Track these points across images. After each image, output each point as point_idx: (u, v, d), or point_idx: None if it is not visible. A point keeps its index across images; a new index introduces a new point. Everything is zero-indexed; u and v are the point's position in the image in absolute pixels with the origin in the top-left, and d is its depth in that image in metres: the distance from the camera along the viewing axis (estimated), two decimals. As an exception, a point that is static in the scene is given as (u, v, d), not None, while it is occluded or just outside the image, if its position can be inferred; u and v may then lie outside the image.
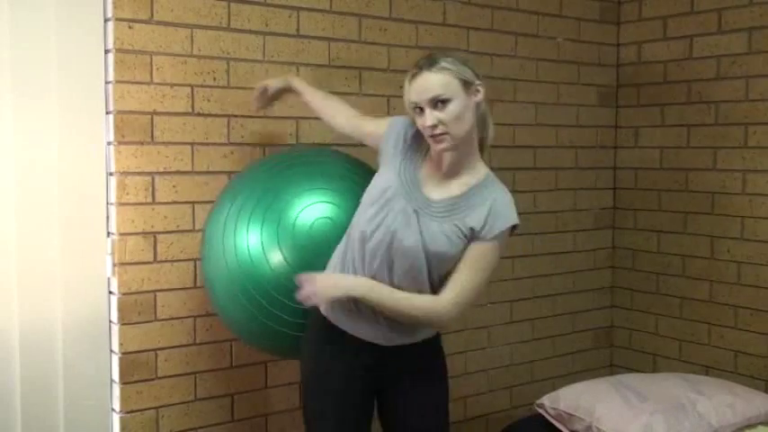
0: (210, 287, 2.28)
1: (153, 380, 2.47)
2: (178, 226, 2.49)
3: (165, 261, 2.47)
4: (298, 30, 2.69)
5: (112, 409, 2.47)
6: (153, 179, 2.44)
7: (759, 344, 3.20)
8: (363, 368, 2.10)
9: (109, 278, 2.43)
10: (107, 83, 2.39)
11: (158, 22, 2.42)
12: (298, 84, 2.47)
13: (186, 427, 2.55)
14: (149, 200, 2.44)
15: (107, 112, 2.40)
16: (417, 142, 2.12)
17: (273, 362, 2.69)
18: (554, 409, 2.80)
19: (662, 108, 3.50)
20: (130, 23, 2.38)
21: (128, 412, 2.44)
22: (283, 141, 2.67)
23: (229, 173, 2.56)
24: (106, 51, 2.39)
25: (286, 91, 2.50)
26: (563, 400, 2.80)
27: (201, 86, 2.51)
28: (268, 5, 2.62)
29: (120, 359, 2.42)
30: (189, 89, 2.49)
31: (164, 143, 2.45)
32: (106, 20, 2.38)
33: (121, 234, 2.40)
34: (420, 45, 2.96)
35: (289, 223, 2.15)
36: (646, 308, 3.60)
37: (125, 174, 2.40)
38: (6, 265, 2.29)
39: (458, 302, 2.01)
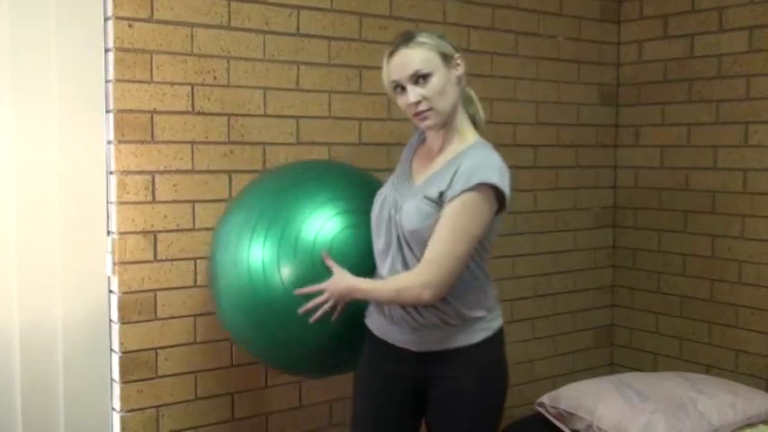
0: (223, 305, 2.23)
1: (153, 379, 2.47)
2: (178, 225, 2.49)
3: (166, 260, 2.47)
4: (298, 28, 2.69)
5: (113, 408, 2.46)
6: (153, 178, 2.44)
7: (760, 343, 3.20)
8: (400, 374, 2.07)
9: (109, 277, 2.43)
10: (107, 82, 2.39)
11: (158, 21, 2.42)
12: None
13: (186, 426, 2.55)
14: (149, 199, 2.44)
15: (107, 111, 2.40)
16: (416, 142, 2.12)
17: (274, 361, 2.69)
18: (554, 408, 2.80)
19: (663, 107, 3.49)
20: (130, 22, 2.38)
21: (128, 411, 2.44)
22: (284, 141, 2.67)
23: (230, 172, 2.56)
24: (106, 50, 2.38)
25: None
26: (563, 399, 2.80)
27: (202, 85, 2.51)
28: (268, 4, 2.62)
29: (121, 358, 2.42)
30: (189, 88, 2.49)
31: (164, 142, 2.45)
32: (106, 18, 2.38)
33: (121, 233, 2.40)
34: (420, 44, 2.95)
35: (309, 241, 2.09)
36: (646, 307, 3.60)
37: (125, 173, 2.39)
38: (6, 264, 2.29)
39: (431, 269, 1.88)
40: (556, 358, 3.53)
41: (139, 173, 2.42)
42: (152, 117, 2.43)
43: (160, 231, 2.46)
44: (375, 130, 2.87)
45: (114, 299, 2.42)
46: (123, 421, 2.43)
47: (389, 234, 2.01)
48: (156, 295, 2.46)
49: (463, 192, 1.88)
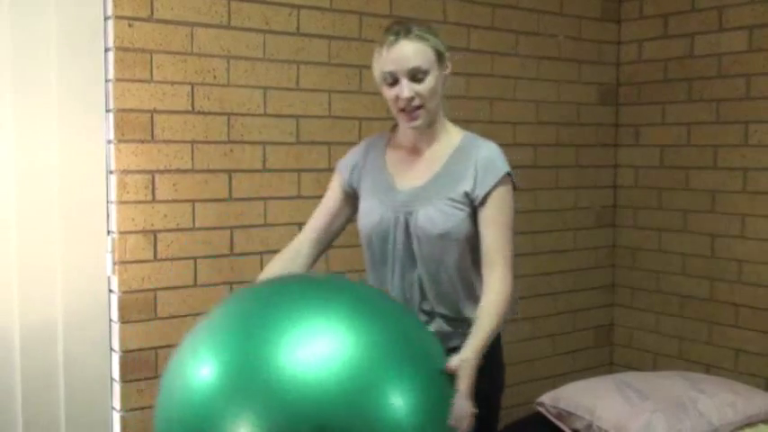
0: None
1: (153, 378, 2.47)
2: (178, 224, 2.49)
3: (165, 259, 2.47)
4: (298, 28, 2.69)
5: (113, 408, 2.47)
6: (153, 177, 2.44)
7: (759, 342, 3.20)
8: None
9: (109, 276, 2.43)
10: (107, 81, 2.39)
11: (158, 21, 2.42)
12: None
13: (186, 426, 2.55)
14: (149, 198, 2.44)
15: (107, 111, 2.40)
16: (375, 151, 2.05)
17: (274, 360, 2.69)
18: (554, 407, 2.80)
19: (663, 106, 3.49)
20: (130, 21, 2.38)
21: (128, 410, 2.44)
22: (284, 140, 2.67)
23: (229, 171, 2.56)
24: (106, 49, 2.39)
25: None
26: (563, 398, 2.80)
27: (201, 84, 2.51)
28: (268, 3, 2.62)
29: (121, 357, 2.42)
30: (189, 87, 2.49)
31: (164, 141, 2.45)
32: (106, 18, 2.38)
33: (121, 232, 2.40)
34: (420, 43, 2.95)
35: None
36: (646, 306, 3.60)
37: (125, 172, 2.39)
38: (7, 264, 2.29)
39: (505, 272, 1.93)
40: (556, 357, 3.53)
41: (139, 172, 2.42)
42: (152, 116, 2.43)
43: (160, 231, 2.46)
44: (375, 129, 2.86)
45: (114, 298, 2.42)
46: (123, 420, 2.44)
47: (394, 242, 1.96)
48: (156, 294, 2.46)
49: (497, 186, 1.95)
